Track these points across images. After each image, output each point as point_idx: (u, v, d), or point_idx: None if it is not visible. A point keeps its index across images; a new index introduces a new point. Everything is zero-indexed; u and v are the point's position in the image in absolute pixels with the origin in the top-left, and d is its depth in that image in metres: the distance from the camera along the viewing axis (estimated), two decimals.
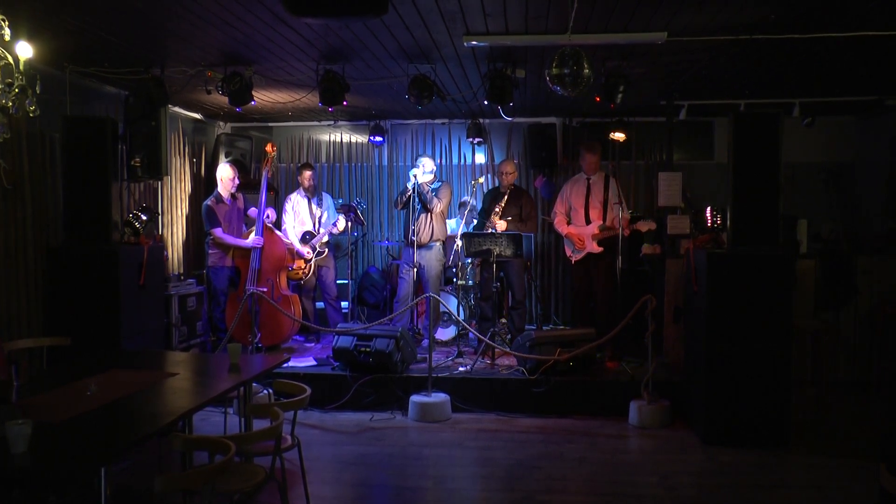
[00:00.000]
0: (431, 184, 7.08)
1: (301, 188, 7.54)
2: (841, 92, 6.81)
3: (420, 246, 6.98)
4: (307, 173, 7.47)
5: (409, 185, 6.93)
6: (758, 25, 4.70)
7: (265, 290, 6.58)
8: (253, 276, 6.74)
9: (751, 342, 5.05)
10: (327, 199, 7.68)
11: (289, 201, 7.56)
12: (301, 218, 7.46)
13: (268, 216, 6.87)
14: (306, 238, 7.32)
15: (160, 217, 7.24)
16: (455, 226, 7.84)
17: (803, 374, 6.26)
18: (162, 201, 7.35)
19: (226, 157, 7.98)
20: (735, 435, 5.08)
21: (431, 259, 7.12)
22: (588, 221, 6.66)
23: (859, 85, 6.59)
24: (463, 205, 7.66)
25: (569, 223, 6.81)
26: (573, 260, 6.77)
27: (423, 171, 6.98)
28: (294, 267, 7.24)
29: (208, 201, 6.90)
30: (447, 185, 7.24)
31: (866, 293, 6.67)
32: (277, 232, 7.10)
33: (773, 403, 5.05)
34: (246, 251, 6.83)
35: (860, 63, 5.71)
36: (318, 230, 7.38)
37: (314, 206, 7.50)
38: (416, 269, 6.99)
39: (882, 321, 6.50)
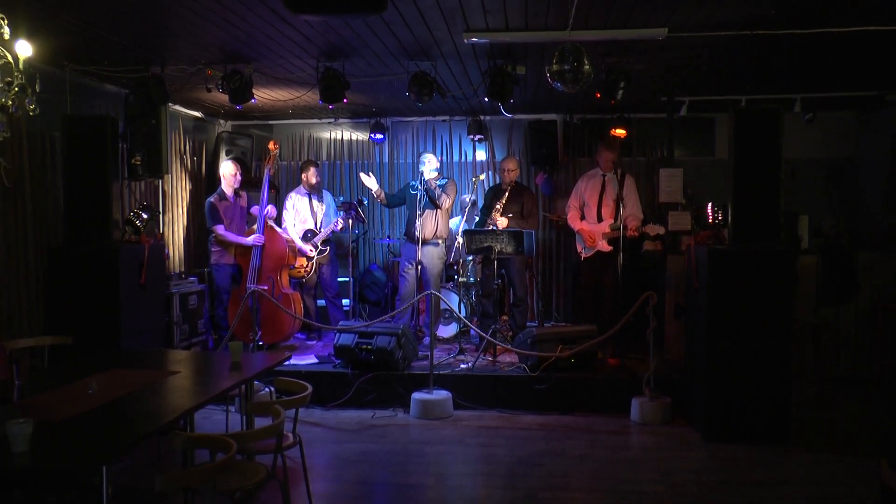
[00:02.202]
0: (437, 180, 7.07)
1: (303, 185, 7.53)
2: (842, 87, 6.80)
3: (423, 242, 6.97)
4: (312, 170, 7.46)
5: (418, 183, 6.94)
6: (758, 21, 4.69)
7: (266, 287, 6.58)
8: (253, 274, 6.74)
9: (751, 338, 5.05)
10: (328, 197, 7.68)
11: (289, 199, 7.55)
12: (302, 216, 7.46)
13: (268, 213, 6.87)
14: (308, 236, 7.32)
15: (161, 216, 7.24)
16: (457, 224, 7.84)
17: (804, 371, 6.25)
18: (163, 200, 7.35)
19: (226, 155, 7.98)
20: (736, 431, 5.08)
21: (433, 257, 7.10)
22: (600, 219, 6.65)
23: (860, 80, 6.58)
24: (464, 203, 7.68)
25: (582, 219, 6.80)
26: (583, 256, 6.76)
27: (430, 169, 6.98)
28: (296, 265, 7.23)
29: (211, 198, 6.91)
30: (453, 182, 7.24)
31: (867, 289, 6.66)
32: (279, 230, 7.10)
33: (773, 400, 5.05)
34: (247, 249, 6.83)
35: (861, 58, 5.69)
36: (319, 228, 7.39)
37: (315, 204, 7.50)
38: (417, 267, 6.98)
39: (883, 317, 6.49)
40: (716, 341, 5.09)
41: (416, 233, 6.87)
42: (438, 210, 7.03)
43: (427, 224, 7.01)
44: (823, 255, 6.65)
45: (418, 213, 6.87)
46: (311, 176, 7.44)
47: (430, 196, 6.90)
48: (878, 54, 5.55)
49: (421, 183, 6.84)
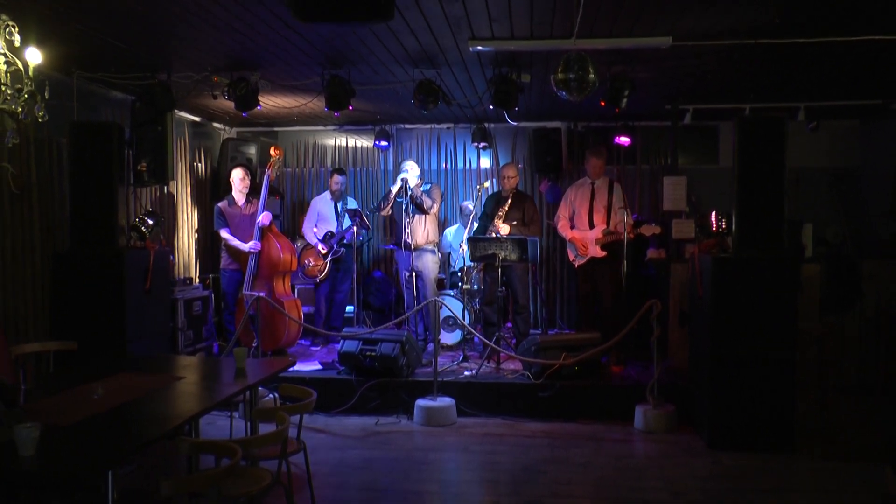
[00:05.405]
0: (420, 186, 7.17)
1: (329, 191, 7.64)
2: (846, 96, 6.81)
3: (416, 248, 7.04)
4: (335, 177, 7.57)
5: (395, 189, 7.02)
6: (762, 29, 4.70)
7: (262, 294, 6.53)
8: (250, 280, 6.75)
9: (756, 346, 5.04)
10: (352, 203, 7.76)
11: (316, 203, 7.68)
12: (325, 218, 7.55)
13: (261, 221, 6.77)
14: (328, 237, 7.40)
15: (166, 222, 7.26)
16: (453, 234, 7.87)
17: (808, 378, 6.23)
18: (168, 206, 7.37)
19: (231, 161, 8.01)
20: (741, 439, 5.07)
21: (428, 262, 7.19)
22: (591, 226, 6.67)
23: (864, 89, 6.59)
24: (467, 210, 7.73)
25: (572, 227, 6.82)
26: (576, 264, 6.79)
27: (414, 175, 7.09)
28: (312, 264, 7.30)
29: (220, 203, 6.96)
30: (437, 186, 7.41)
31: (871, 297, 6.65)
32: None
33: (778, 407, 5.04)
34: (248, 255, 6.83)
35: (865, 67, 5.71)
36: (340, 230, 7.45)
37: (339, 208, 7.59)
38: (413, 274, 7.03)
39: (887, 325, 6.48)
40: (720, 349, 5.08)
41: (408, 240, 6.92)
42: (426, 216, 7.10)
43: (417, 230, 7.10)
44: (827, 263, 6.65)
45: (407, 220, 6.92)
46: (335, 183, 7.55)
47: (415, 203, 6.97)
48: (882, 63, 5.56)
49: (405, 191, 6.89)
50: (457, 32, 4.80)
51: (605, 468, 4.76)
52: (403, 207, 6.94)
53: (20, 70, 3.35)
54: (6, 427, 2.72)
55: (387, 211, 7.29)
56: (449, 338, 7.32)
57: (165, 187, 7.24)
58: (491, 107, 5.92)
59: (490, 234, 6.79)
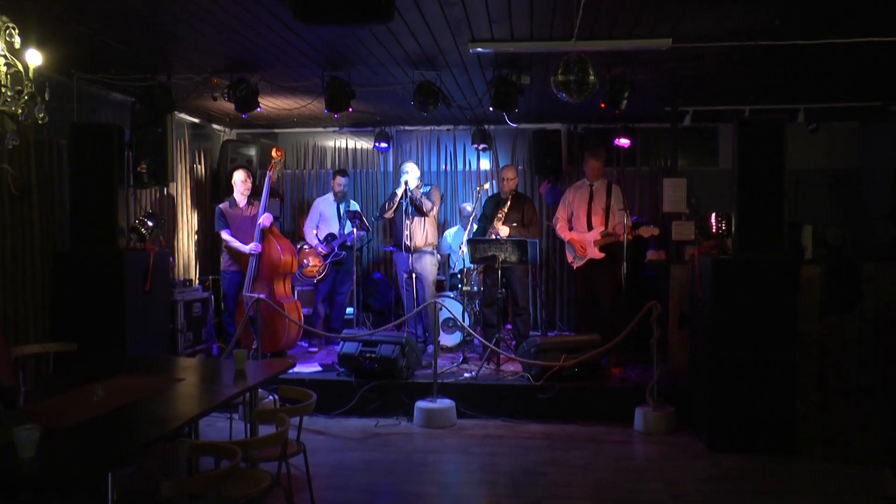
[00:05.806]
0: (420, 188, 7.20)
1: (332, 192, 7.66)
2: (846, 98, 6.81)
3: (415, 250, 7.05)
4: (337, 178, 7.61)
5: (399, 191, 7.03)
6: (762, 31, 4.71)
7: (262, 295, 6.53)
8: (250, 282, 6.75)
9: (755, 348, 5.04)
10: (354, 206, 7.77)
11: (318, 204, 7.71)
12: (327, 220, 7.57)
13: (262, 223, 6.76)
14: (329, 238, 7.39)
15: (166, 223, 7.26)
16: (453, 236, 7.87)
17: (808, 380, 6.23)
18: (168, 207, 7.38)
19: (231, 163, 8.01)
20: (740, 441, 5.06)
21: (427, 264, 7.20)
22: (590, 227, 6.68)
23: (864, 91, 6.59)
24: (466, 212, 7.73)
25: (570, 229, 6.83)
26: (574, 266, 6.79)
27: (414, 177, 7.10)
28: (311, 264, 7.30)
29: (221, 204, 6.97)
30: (437, 188, 7.44)
31: (871, 299, 6.65)
32: (283, 238, 7.14)
33: (778, 409, 5.04)
34: (248, 257, 6.83)
35: (865, 69, 5.71)
36: (343, 232, 7.45)
37: (342, 210, 7.60)
38: (413, 276, 7.04)
39: (886, 327, 6.48)
40: (720, 351, 5.08)
41: (407, 242, 6.93)
42: (425, 217, 7.11)
43: (416, 232, 7.11)
44: (827, 265, 6.65)
45: (406, 222, 6.94)
46: (336, 184, 7.60)
47: (414, 205, 6.98)
48: (881, 65, 5.56)
49: (405, 193, 6.90)
50: (457, 34, 4.80)
51: (605, 470, 4.76)
52: (403, 209, 6.96)
53: (20, 72, 3.35)
54: (6, 429, 2.72)
55: (390, 214, 7.30)
56: (449, 339, 7.32)
57: (165, 189, 7.24)
58: (491, 108, 5.92)
59: (490, 235, 6.79)
